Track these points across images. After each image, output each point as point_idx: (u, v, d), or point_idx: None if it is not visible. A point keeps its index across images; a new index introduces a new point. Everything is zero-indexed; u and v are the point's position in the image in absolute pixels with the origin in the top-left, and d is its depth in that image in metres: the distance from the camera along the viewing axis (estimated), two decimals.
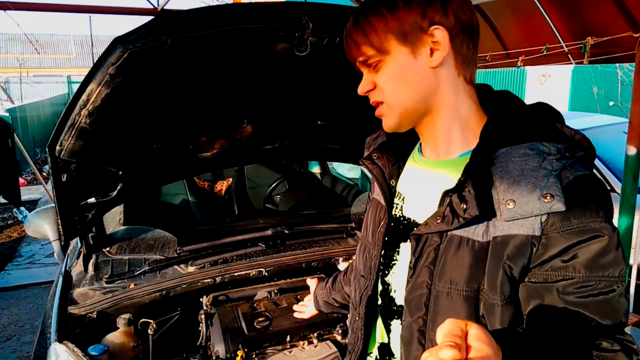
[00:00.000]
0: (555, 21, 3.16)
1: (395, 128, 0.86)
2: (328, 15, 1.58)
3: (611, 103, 10.62)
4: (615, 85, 10.58)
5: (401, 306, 0.89)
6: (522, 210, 0.72)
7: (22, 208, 4.35)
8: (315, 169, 3.80)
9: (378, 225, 0.96)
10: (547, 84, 11.12)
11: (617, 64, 9.73)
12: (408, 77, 0.80)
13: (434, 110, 0.83)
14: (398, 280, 0.91)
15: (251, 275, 1.94)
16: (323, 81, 1.84)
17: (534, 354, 0.69)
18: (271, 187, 3.23)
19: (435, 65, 0.80)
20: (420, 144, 0.95)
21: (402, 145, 0.98)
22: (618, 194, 2.88)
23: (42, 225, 2.22)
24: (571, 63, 3.28)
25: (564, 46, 3.22)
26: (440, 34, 0.78)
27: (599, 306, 0.69)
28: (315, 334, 1.77)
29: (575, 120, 5.04)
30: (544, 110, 0.83)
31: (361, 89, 0.86)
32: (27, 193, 7.93)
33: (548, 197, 0.70)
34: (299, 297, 1.91)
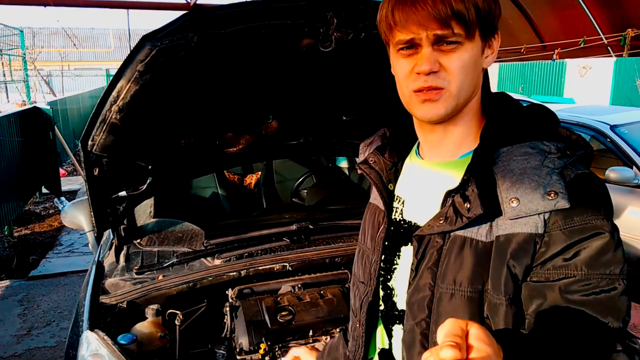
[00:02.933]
0: (593, 12, 3.06)
1: (442, 118, 0.80)
2: (353, 10, 1.57)
3: None
4: None
5: (403, 310, 0.88)
6: (526, 208, 0.72)
7: (62, 198, 4.50)
8: (343, 164, 3.79)
9: (377, 230, 0.95)
10: (587, 77, 10.71)
11: None
12: (473, 71, 0.79)
13: (467, 109, 0.83)
14: (400, 284, 0.90)
15: (275, 269, 1.96)
16: (348, 77, 1.83)
17: (536, 354, 0.68)
18: (298, 182, 3.24)
19: (485, 67, 0.82)
20: (418, 146, 0.94)
21: (398, 148, 0.97)
22: None
23: (77, 217, 2.32)
24: (611, 56, 3.16)
25: (603, 38, 3.10)
26: (498, 38, 0.82)
27: (601, 304, 0.68)
28: (338, 329, 1.78)
29: (618, 115, 4.82)
30: (541, 112, 0.84)
31: (428, 67, 0.75)
32: (67, 183, 8.22)
33: (552, 195, 0.70)
34: (322, 292, 1.92)
